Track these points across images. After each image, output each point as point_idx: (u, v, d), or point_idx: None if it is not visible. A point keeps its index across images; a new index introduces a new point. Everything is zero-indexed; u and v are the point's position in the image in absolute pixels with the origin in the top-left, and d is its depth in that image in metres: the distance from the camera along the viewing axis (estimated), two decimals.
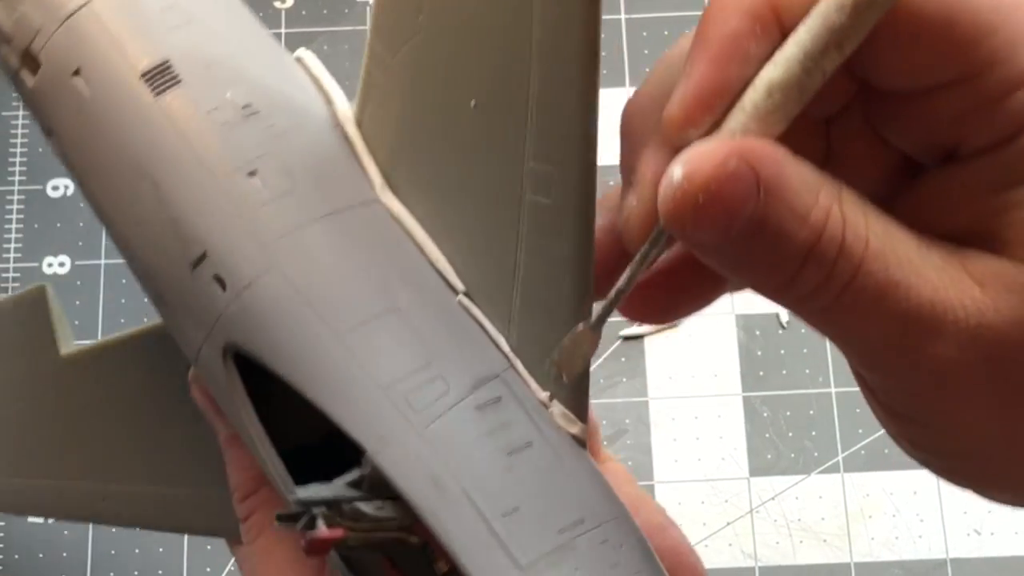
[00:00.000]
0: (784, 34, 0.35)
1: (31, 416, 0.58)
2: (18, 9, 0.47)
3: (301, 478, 0.41)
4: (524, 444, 0.39)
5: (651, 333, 0.87)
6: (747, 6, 0.35)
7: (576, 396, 0.41)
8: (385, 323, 0.41)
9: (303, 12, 0.96)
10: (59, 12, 0.46)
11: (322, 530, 0.36)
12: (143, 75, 0.44)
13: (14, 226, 0.90)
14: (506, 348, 0.42)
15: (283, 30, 0.95)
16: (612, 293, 0.39)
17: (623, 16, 0.94)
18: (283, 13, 0.96)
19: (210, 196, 0.42)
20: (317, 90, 0.47)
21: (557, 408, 0.41)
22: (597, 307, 0.40)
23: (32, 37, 0.46)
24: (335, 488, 0.38)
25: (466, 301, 0.43)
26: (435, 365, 0.40)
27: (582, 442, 0.41)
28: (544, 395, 0.41)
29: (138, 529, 0.66)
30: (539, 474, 0.39)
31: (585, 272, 0.40)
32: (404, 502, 0.38)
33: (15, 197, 0.91)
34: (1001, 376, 0.35)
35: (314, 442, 0.43)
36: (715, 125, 0.35)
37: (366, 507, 0.38)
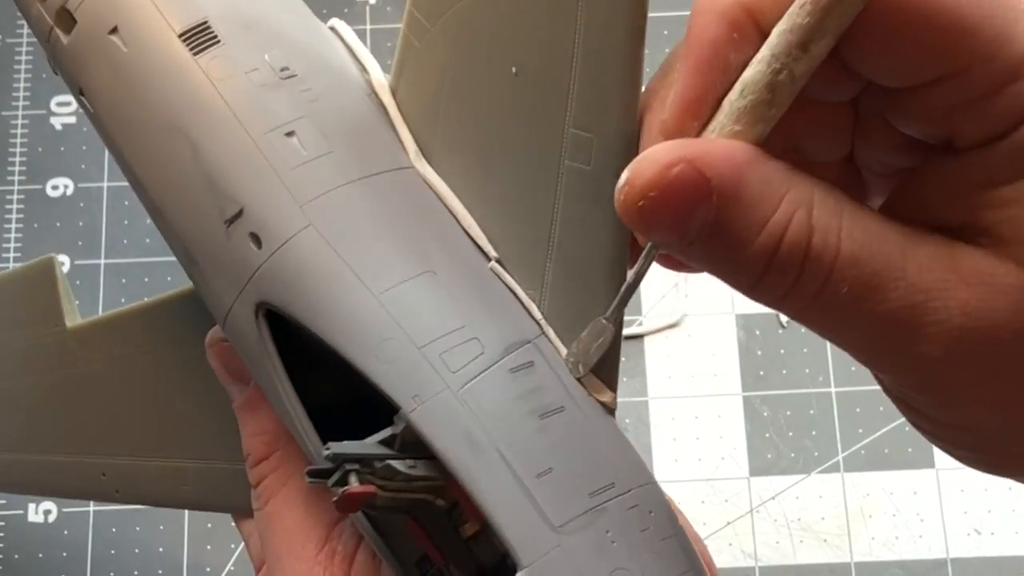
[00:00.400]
0: (764, 37, 0.35)
1: (34, 389, 0.58)
2: None
3: (326, 438, 0.41)
4: (556, 408, 0.40)
5: (651, 333, 0.87)
6: (723, 12, 0.35)
7: (606, 365, 0.42)
8: (421, 284, 0.41)
9: None
10: None
11: (355, 486, 0.37)
12: (182, 34, 0.44)
13: (13, 226, 0.90)
14: (537, 314, 0.42)
15: None
16: (623, 288, 0.40)
17: None
18: None
19: (248, 154, 0.43)
20: (351, 58, 0.47)
21: (589, 377, 0.42)
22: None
23: None
24: (367, 446, 0.38)
25: (498, 268, 0.43)
26: (470, 327, 0.40)
27: (611, 410, 0.42)
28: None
29: (140, 507, 0.66)
30: (571, 438, 0.40)
31: (621, 239, 0.41)
32: (436, 462, 0.39)
33: (15, 197, 0.91)
34: (989, 374, 0.35)
35: (338, 405, 0.43)
36: (705, 126, 0.36)
37: (399, 465, 0.38)
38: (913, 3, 0.34)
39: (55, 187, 0.91)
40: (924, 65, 0.34)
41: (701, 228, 0.35)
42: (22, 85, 0.93)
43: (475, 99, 0.44)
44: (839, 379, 0.85)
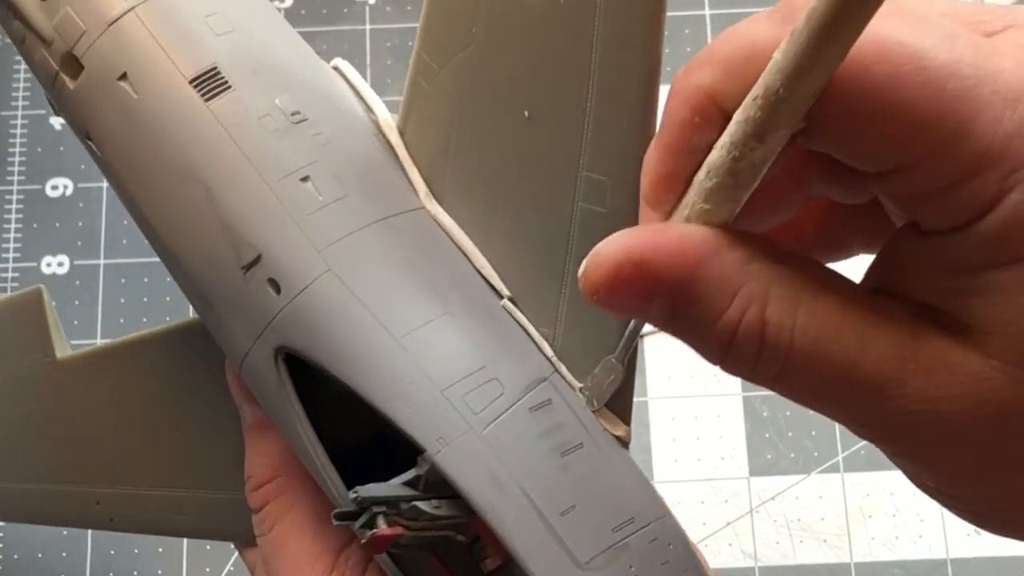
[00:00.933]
0: (728, 120, 0.35)
1: (26, 420, 0.58)
2: (59, 12, 0.47)
3: (344, 478, 0.42)
4: (575, 445, 0.41)
5: (651, 333, 0.86)
6: (689, 96, 0.36)
7: (620, 400, 0.43)
8: (441, 326, 0.42)
9: (302, 12, 0.96)
10: (104, 16, 0.46)
11: (383, 528, 0.38)
12: (192, 80, 0.45)
13: (13, 226, 0.90)
14: (550, 352, 0.43)
15: None
16: (628, 329, 0.42)
17: (707, 12, 0.94)
18: (282, 13, 0.96)
19: (264, 200, 0.43)
20: (356, 98, 0.48)
21: (603, 412, 0.43)
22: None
23: (75, 40, 0.46)
24: (393, 488, 0.39)
25: (510, 306, 0.44)
26: (489, 368, 0.41)
27: (625, 443, 0.42)
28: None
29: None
30: (591, 474, 0.41)
31: None
32: (459, 501, 0.39)
33: (14, 197, 0.91)
34: (954, 454, 0.35)
35: (354, 443, 0.44)
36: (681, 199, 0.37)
37: (425, 506, 0.39)
38: (868, 96, 0.33)
39: (54, 187, 0.91)
40: (881, 155, 0.34)
41: (659, 316, 0.36)
42: (22, 85, 0.93)
43: (486, 142, 0.44)
44: None
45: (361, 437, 0.44)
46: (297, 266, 0.42)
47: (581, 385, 0.43)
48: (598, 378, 0.42)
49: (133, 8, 0.46)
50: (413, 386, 0.40)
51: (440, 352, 0.41)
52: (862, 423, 0.37)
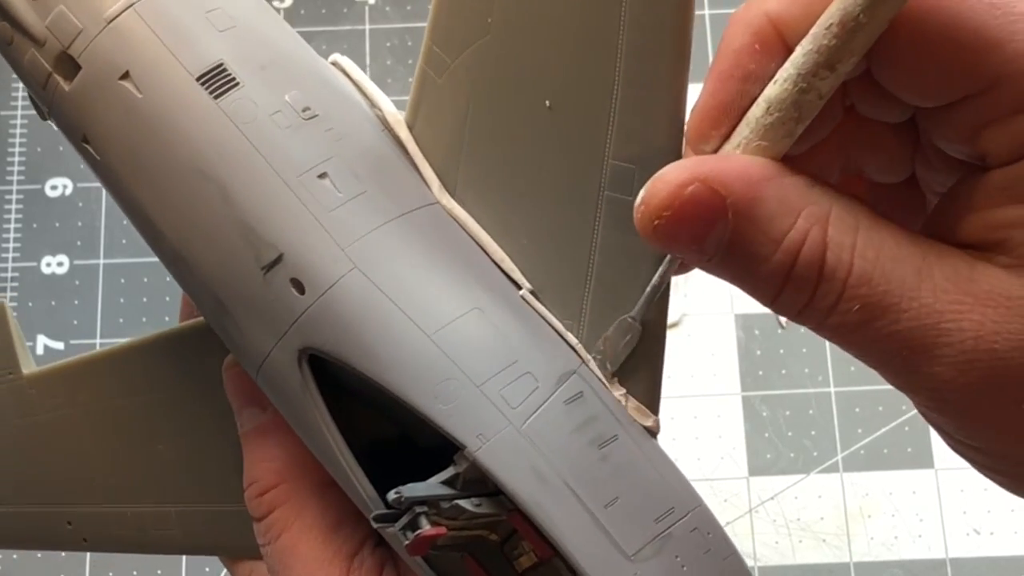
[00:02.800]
0: (788, 51, 0.35)
1: None
2: (52, 11, 0.45)
3: (371, 478, 0.41)
4: (611, 437, 0.41)
5: (672, 325, 0.86)
6: (750, 23, 0.36)
7: (649, 390, 0.42)
8: (471, 321, 0.41)
9: (302, 11, 0.96)
10: (102, 14, 0.44)
11: (427, 528, 0.37)
12: (199, 78, 0.43)
13: (12, 225, 0.90)
14: (575, 342, 0.43)
15: None
16: (648, 289, 0.41)
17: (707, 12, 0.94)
18: (282, 13, 0.96)
19: (283, 199, 0.42)
20: (359, 93, 0.47)
21: (632, 402, 0.42)
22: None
23: (71, 39, 0.45)
24: (433, 487, 0.39)
25: (530, 297, 0.43)
26: (522, 362, 0.41)
27: (654, 434, 0.42)
28: (621, 391, 0.42)
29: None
30: (628, 465, 0.40)
31: (666, 266, 0.41)
32: (498, 499, 0.39)
33: (13, 196, 0.91)
34: (1004, 399, 0.35)
35: (366, 447, 0.43)
36: (727, 136, 0.37)
37: (466, 504, 0.38)
38: (936, 20, 0.33)
39: (54, 187, 0.91)
40: (949, 84, 0.34)
41: (718, 245, 0.35)
42: (21, 85, 0.93)
43: (503, 133, 0.44)
44: (838, 379, 0.85)
45: (375, 439, 0.44)
46: (321, 265, 0.41)
47: (595, 348, 0.42)
48: (612, 339, 0.42)
49: (132, 5, 0.44)
50: (449, 382, 0.40)
51: (473, 347, 0.41)
52: (912, 366, 0.35)
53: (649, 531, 0.39)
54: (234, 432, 0.48)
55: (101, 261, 0.89)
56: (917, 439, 0.84)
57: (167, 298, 0.88)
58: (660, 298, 0.42)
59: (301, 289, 0.41)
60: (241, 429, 0.48)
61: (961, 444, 0.37)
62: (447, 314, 0.41)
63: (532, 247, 0.44)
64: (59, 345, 0.88)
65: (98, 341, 0.88)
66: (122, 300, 0.88)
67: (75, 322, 0.87)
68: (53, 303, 0.89)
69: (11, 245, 0.90)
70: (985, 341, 0.34)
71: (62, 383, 0.54)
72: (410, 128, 0.46)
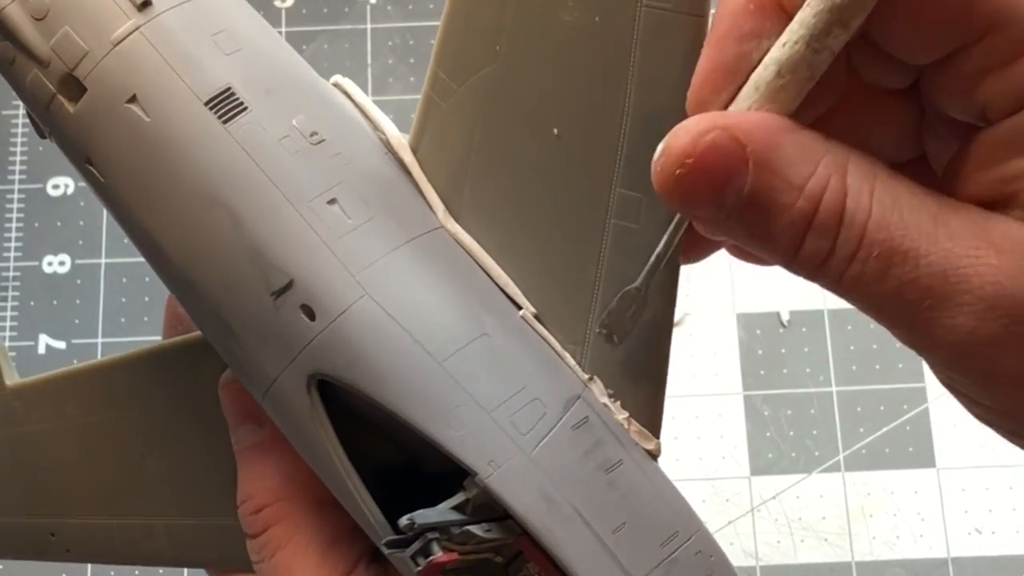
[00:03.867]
0: (786, 10, 0.35)
1: None
2: (57, 32, 0.45)
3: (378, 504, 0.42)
4: (616, 462, 0.41)
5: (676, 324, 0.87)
6: None
7: (651, 414, 0.43)
8: (479, 348, 0.41)
9: (303, 11, 0.96)
10: (109, 36, 0.44)
11: (439, 555, 0.38)
12: (208, 102, 0.43)
13: (14, 225, 0.90)
14: (575, 367, 0.43)
15: (283, 29, 0.95)
16: (652, 258, 0.41)
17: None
18: (283, 12, 0.96)
19: (294, 225, 0.42)
20: (361, 116, 0.47)
21: (634, 426, 0.42)
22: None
23: (77, 61, 0.44)
24: (444, 513, 0.39)
25: (531, 319, 0.44)
26: (530, 388, 0.41)
27: (655, 457, 0.43)
28: (624, 415, 0.43)
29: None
30: (634, 490, 0.41)
31: (670, 292, 0.42)
32: (507, 523, 0.39)
33: (15, 196, 0.91)
34: (1020, 357, 0.34)
35: (381, 467, 0.43)
36: (730, 102, 0.37)
37: (477, 530, 0.39)
38: None
39: (56, 186, 0.91)
40: (943, 34, 0.34)
41: (738, 196, 0.35)
42: None
43: (509, 160, 0.44)
44: (840, 378, 0.85)
45: (382, 464, 0.44)
46: (332, 291, 0.41)
47: (599, 322, 0.42)
48: (617, 311, 0.42)
49: (139, 28, 0.44)
50: (460, 409, 0.40)
51: (482, 374, 0.41)
52: (932, 319, 0.35)
53: (655, 556, 0.40)
54: (223, 447, 0.48)
55: (103, 260, 0.89)
56: (919, 439, 0.84)
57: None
58: (663, 320, 0.42)
59: (312, 315, 0.41)
60: (237, 446, 0.48)
61: (985, 409, 0.37)
62: (456, 340, 0.41)
63: (537, 273, 0.44)
64: (61, 344, 0.88)
65: (100, 340, 0.88)
66: (124, 299, 0.88)
67: (77, 321, 0.87)
68: (55, 302, 0.89)
69: (12, 244, 0.90)
70: (1004, 287, 0.34)
71: (48, 396, 0.54)
72: (414, 152, 0.46)
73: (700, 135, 0.35)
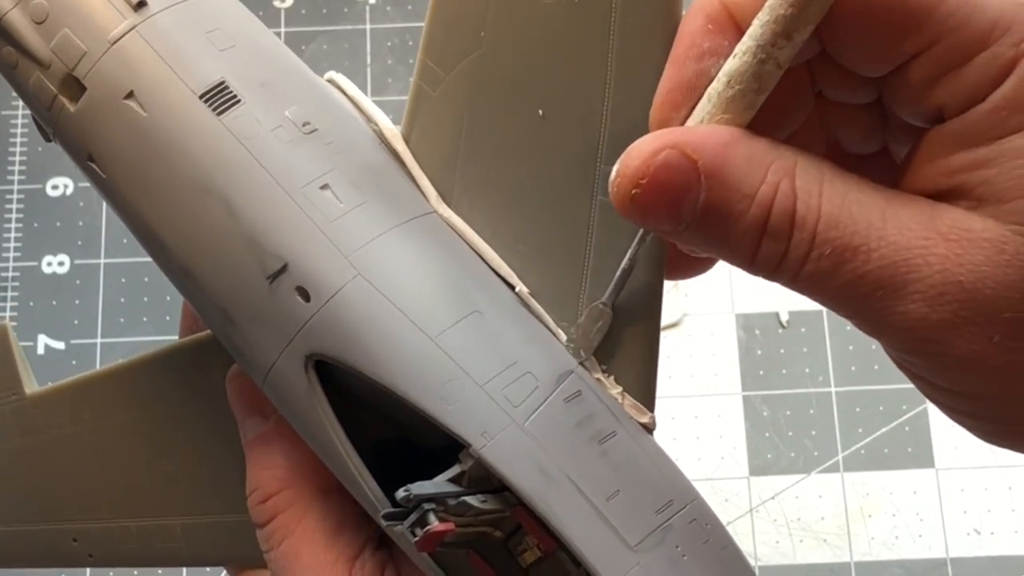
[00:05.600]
0: (740, 30, 0.37)
1: None
2: (56, 34, 0.46)
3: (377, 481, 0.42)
4: (609, 433, 0.42)
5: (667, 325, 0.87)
6: (703, 7, 0.38)
7: (644, 388, 0.44)
8: (472, 324, 0.42)
9: (303, 11, 0.96)
10: (106, 36, 0.45)
11: (436, 525, 0.38)
12: (202, 96, 0.44)
13: (13, 225, 0.90)
14: (565, 340, 0.44)
15: (283, 29, 0.95)
16: (618, 273, 0.42)
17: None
18: (283, 12, 0.96)
19: (286, 210, 0.43)
20: (355, 109, 0.48)
21: (628, 400, 0.43)
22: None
23: (76, 61, 0.46)
24: (440, 485, 0.40)
25: (526, 295, 0.44)
26: (522, 362, 0.42)
27: (650, 430, 0.44)
28: (617, 389, 0.44)
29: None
30: (628, 460, 0.42)
31: (659, 266, 0.43)
32: (503, 495, 0.40)
33: (14, 196, 0.91)
34: (976, 333, 0.36)
35: (378, 444, 0.44)
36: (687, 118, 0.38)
37: (473, 500, 0.39)
38: None
39: (55, 186, 0.92)
40: (895, 46, 0.36)
41: (694, 209, 0.36)
42: None
43: (498, 143, 0.45)
44: (839, 379, 0.85)
45: (380, 441, 0.45)
46: (326, 273, 0.42)
47: (568, 338, 0.44)
48: (585, 326, 0.43)
49: (135, 27, 0.45)
50: (453, 383, 0.41)
51: (474, 349, 0.42)
52: (885, 308, 0.36)
53: (650, 522, 0.40)
54: (237, 444, 0.49)
55: (102, 260, 0.89)
56: (918, 439, 0.84)
57: (168, 297, 0.88)
58: (653, 297, 0.43)
59: (306, 297, 0.42)
60: (244, 438, 0.49)
61: (938, 389, 0.38)
62: (448, 317, 0.42)
63: (528, 252, 0.45)
64: (60, 345, 0.88)
65: (99, 340, 0.88)
66: (123, 299, 0.88)
67: (76, 322, 0.87)
68: (54, 303, 0.89)
69: (12, 245, 0.90)
70: (952, 274, 0.35)
71: (64, 402, 0.55)
72: (406, 141, 0.47)
73: (652, 155, 0.36)
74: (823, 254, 0.36)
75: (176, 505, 0.53)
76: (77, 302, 0.88)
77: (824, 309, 0.87)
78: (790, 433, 0.84)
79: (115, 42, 0.45)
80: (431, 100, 0.46)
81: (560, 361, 0.43)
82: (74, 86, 0.46)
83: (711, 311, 0.87)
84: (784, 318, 0.87)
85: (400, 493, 0.39)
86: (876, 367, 0.85)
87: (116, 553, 0.55)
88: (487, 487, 0.40)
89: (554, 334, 0.44)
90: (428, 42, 0.46)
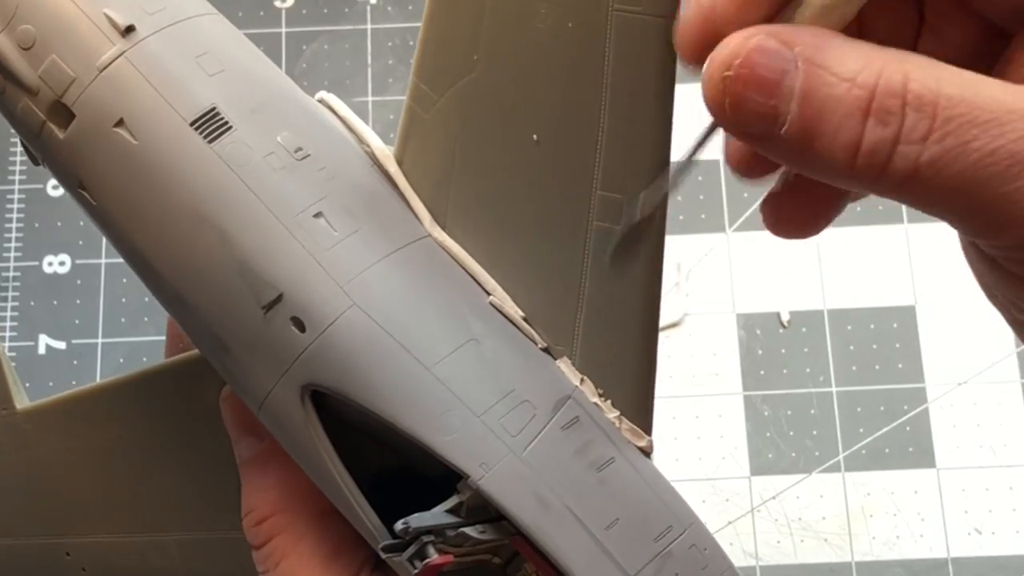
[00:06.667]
0: None
1: None
2: (44, 60, 0.45)
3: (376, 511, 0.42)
4: (608, 460, 0.42)
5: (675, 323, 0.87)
6: None
7: (641, 412, 0.44)
8: (468, 353, 0.42)
9: (303, 11, 0.96)
10: (94, 62, 0.45)
11: (435, 557, 0.39)
12: (193, 123, 0.44)
13: (15, 225, 0.90)
14: (565, 367, 0.44)
15: (283, 29, 0.95)
16: (685, 155, 0.39)
17: None
18: (283, 12, 0.96)
19: (280, 239, 0.43)
20: (346, 130, 0.48)
21: (625, 424, 0.43)
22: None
23: (64, 88, 0.45)
24: (438, 516, 0.40)
25: (519, 320, 0.44)
26: (519, 390, 0.42)
27: (648, 454, 0.44)
28: (614, 413, 0.43)
29: None
30: (626, 487, 0.42)
31: (654, 288, 0.43)
32: (502, 524, 0.40)
33: (15, 196, 0.91)
34: None
35: (375, 474, 0.44)
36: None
37: (472, 531, 0.39)
38: None
39: (56, 186, 0.91)
40: None
41: (789, 98, 0.34)
42: None
43: (491, 167, 0.45)
44: (840, 379, 0.85)
45: (378, 470, 0.44)
46: (321, 303, 0.42)
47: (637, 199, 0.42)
48: (653, 191, 0.41)
49: (123, 53, 0.45)
50: (450, 414, 0.41)
51: (471, 378, 0.42)
52: (1015, 192, 0.33)
53: (649, 550, 0.40)
54: (230, 461, 0.49)
55: (103, 260, 0.89)
56: (919, 439, 0.84)
57: None
58: (650, 319, 0.43)
59: (302, 327, 0.42)
60: (239, 459, 0.48)
61: None
62: (445, 347, 0.42)
63: (523, 277, 0.45)
64: (61, 345, 0.88)
65: (100, 341, 0.88)
66: (124, 300, 0.88)
67: (77, 322, 0.87)
68: (55, 302, 0.89)
69: (13, 244, 0.90)
70: None
71: (57, 417, 0.54)
72: (399, 163, 0.47)
73: (746, 38, 0.34)
74: (949, 132, 0.33)
75: (171, 521, 0.53)
76: (78, 302, 0.88)
77: (825, 309, 0.87)
78: (791, 433, 0.84)
79: (103, 69, 0.45)
80: (423, 122, 0.46)
81: (557, 387, 0.43)
82: (63, 113, 0.46)
83: (712, 311, 0.87)
84: (785, 318, 0.87)
85: (399, 526, 0.39)
86: (877, 367, 0.85)
87: (110, 567, 0.55)
88: (484, 516, 0.40)
89: (552, 356, 0.44)
90: (420, 64, 0.45)
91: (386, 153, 0.47)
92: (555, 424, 0.42)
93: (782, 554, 0.82)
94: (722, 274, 0.88)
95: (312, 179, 0.44)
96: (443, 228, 0.46)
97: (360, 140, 0.47)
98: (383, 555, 0.40)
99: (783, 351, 0.86)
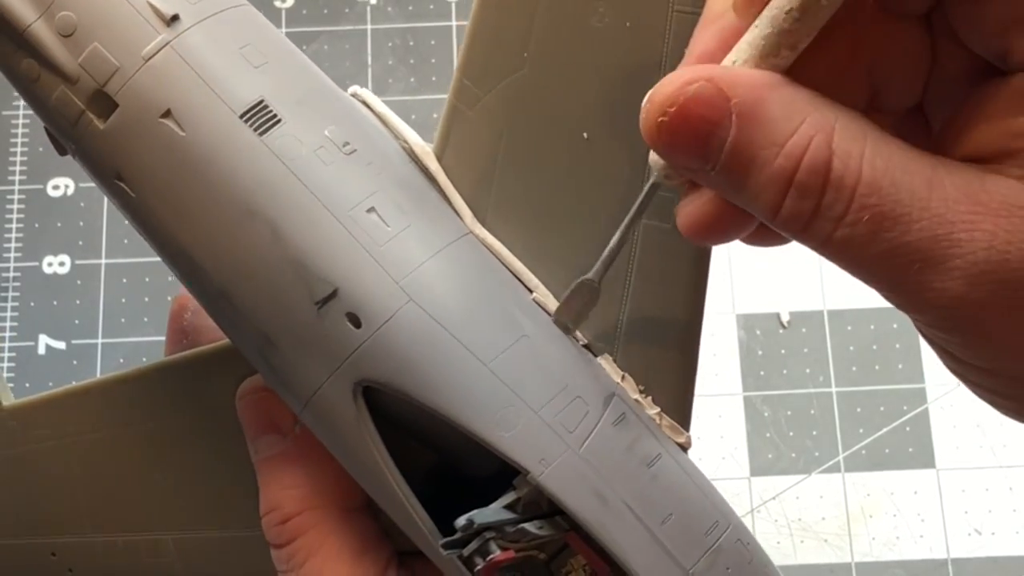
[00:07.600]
0: None
1: None
2: (85, 48, 0.44)
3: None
4: (656, 456, 0.42)
5: None
6: None
7: (681, 407, 0.44)
8: (522, 349, 0.42)
9: (304, 11, 0.96)
10: (139, 52, 0.44)
11: (498, 554, 0.39)
12: (243, 115, 0.43)
13: (14, 225, 0.90)
14: (608, 364, 0.44)
15: (283, 29, 0.95)
16: (605, 252, 0.41)
17: None
18: (284, 12, 0.96)
19: (335, 234, 0.42)
20: (381, 125, 0.47)
21: (666, 420, 0.44)
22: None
23: (107, 77, 0.44)
24: (498, 512, 0.40)
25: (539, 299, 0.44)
26: (571, 387, 0.42)
27: (686, 450, 0.44)
28: (655, 410, 0.44)
29: None
30: (675, 482, 0.42)
31: (698, 289, 0.44)
32: (556, 520, 0.40)
33: (15, 196, 0.91)
34: (1016, 312, 0.34)
35: (418, 477, 0.44)
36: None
37: (531, 527, 0.40)
38: None
39: (56, 187, 0.91)
40: None
41: (721, 148, 0.34)
42: None
43: (537, 164, 0.45)
44: (840, 379, 0.85)
45: (417, 469, 0.44)
46: (378, 299, 0.42)
47: (554, 312, 0.43)
48: (569, 300, 0.43)
49: (169, 43, 0.44)
50: (509, 410, 0.41)
51: (527, 374, 0.42)
52: (922, 282, 0.34)
53: (701, 545, 0.41)
54: (236, 460, 0.48)
55: (103, 261, 0.89)
56: (919, 439, 0.84)
57: (168, 298, 0.88)
58: (693, 314, 0.44)
59: (357, 323, 0.42)
60: (258, 456, 0.48)
61: (966, 365, 0.36)
62: (500, 343, 0.42)
63: (564, 273, 0.44)
64: (61, 345, 0.88)
65: (100, 341, 0.88)
66: (124, 300, 0.88)
67: (77, 322, 0.87)
68: (55, 303, 0.89)
69: (13, 245, 0.90)
70: (997, 252, 0.33)
71: (47, 415, 0.54)
72: (439, 159, 0.46)
73: (685, 85, 0.34)
74: (860, 219, 0.34)
75: (169, 520, 0.52)
76: (78, 302, 0.88)
77: (825, 309, 0.87)
78: (791, 433, 0.84)
79: (149, 58, 0.44)
80: (467, 119, 0.46)
81: (602, 384, 0.43)
82: (104, 103, 0.45)
83: (712, 311, 0.87)
84: (785, 318, 0.87)
85: (460, 521, 0.39)
86: (877, 367, 0.85)
87: (100, 567, 0.54)
88: (537, 512, 0.40)
89: (594, 353, 0.44)
90: (466, 61, 0.45)
91: (426, 149, 0.47)
92: (606, 420, 0.42)
93: (782, 554, 0.82)
94: (722, 274, 0.88)
95: (362, 174, 0.44)
96: (483, 224, 0.46)
97: (396, 135, 0.47)
98: (444, 552, 0.40)
99: (783, 352, 0.86)
